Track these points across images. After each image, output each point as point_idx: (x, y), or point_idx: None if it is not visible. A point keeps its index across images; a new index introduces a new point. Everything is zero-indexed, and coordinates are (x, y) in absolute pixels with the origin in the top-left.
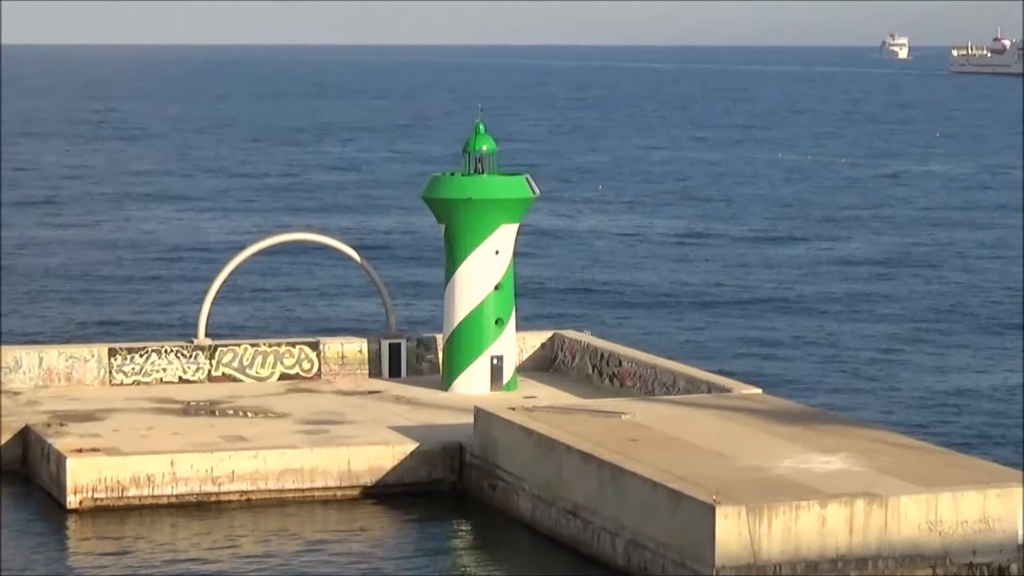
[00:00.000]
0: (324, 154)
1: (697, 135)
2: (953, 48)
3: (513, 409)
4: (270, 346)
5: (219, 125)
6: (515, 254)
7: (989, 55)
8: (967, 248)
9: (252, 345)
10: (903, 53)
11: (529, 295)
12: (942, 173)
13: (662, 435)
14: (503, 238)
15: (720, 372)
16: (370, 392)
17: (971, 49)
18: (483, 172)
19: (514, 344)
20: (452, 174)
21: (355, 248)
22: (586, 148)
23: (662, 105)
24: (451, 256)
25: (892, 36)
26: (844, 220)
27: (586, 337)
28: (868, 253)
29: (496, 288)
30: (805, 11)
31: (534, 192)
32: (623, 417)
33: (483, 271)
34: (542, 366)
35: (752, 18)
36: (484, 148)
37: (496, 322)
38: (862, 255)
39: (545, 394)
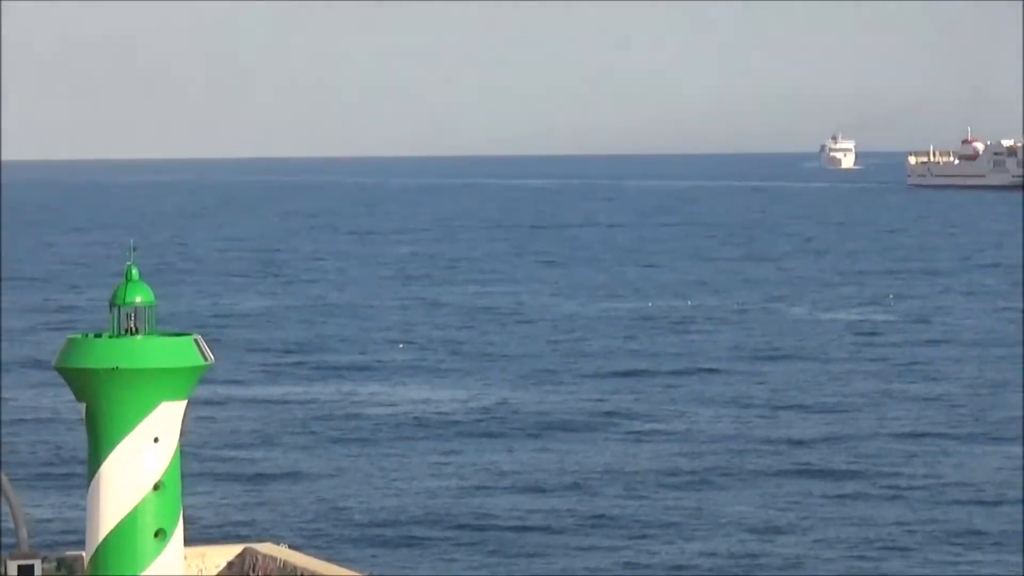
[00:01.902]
0: None
1: (536, 278)
2: (911, 154)
3: None
4: None
5: None
6: (184, 442)
7: (957, 162)
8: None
9: None
10: (847, 161)
11: (210, 494)
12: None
13: None
14: (165, 420)
15: None
16: None
17: (933, 155)
18: (136, 333)
19: (182, 565)
20: (96, 335)
21: None
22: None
23: (513, 233)
24: (94, 445)
25: (834, 139)
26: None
27: (284, 552)
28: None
29: (156, 488)
30: (729, 112)
31: (206, 359)
32: None
33: (137, 465)
34: None
35: (662, 121)
36: (138, 299)
37: (156, 534)
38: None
39: None
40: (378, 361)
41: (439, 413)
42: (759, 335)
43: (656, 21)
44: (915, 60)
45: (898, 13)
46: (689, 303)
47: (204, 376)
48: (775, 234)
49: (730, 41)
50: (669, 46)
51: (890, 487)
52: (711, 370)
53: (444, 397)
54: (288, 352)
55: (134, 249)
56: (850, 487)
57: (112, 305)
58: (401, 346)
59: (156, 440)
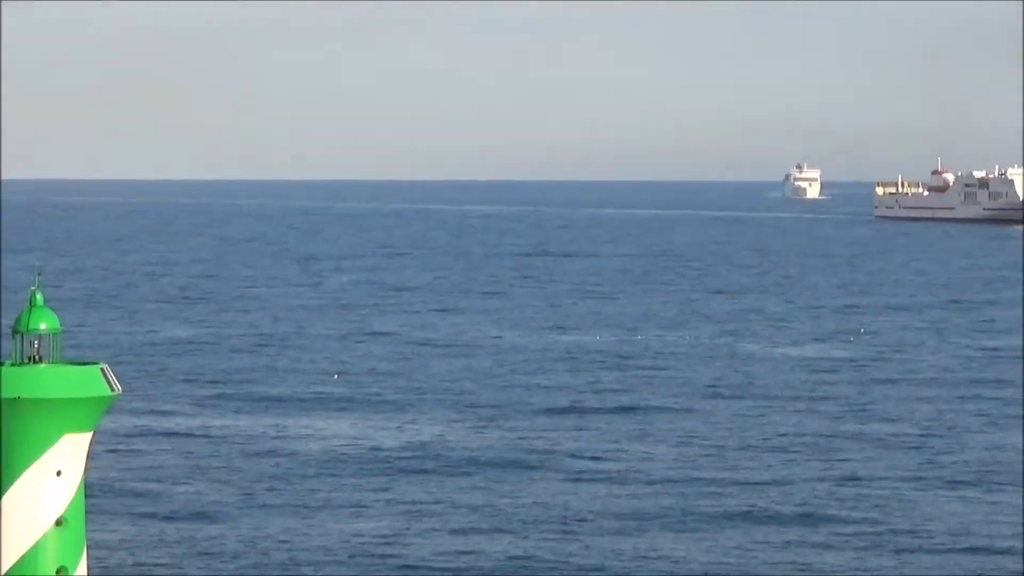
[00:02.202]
0: None
1: (480, 309)
2: (878, 184)
3: None
4: None
5: None
6: (94, 476)
7: (926, 194)
8: None
9: None
10: (813, 191)
11: (119, 531)
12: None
13: None
14: (68, 453)
15: None
16: None
17: (902, 186)
18: (39, 361)
19: None
20: None
21: None
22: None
23: (458, 262)
24: None
25: (799, 168)
26: None
27: None
28: None
29: (58, 524)
30: (692, 140)
31: (113, 389)
32: None
33: (38, 500)
34: None
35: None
36: (42, 326)
37: (58, 572)
38: None
39: None
40: (310, 393)
41: (371, 449)
42: (710, 371)
43: (617, 43)
44: (886, 89)
45: (869, 42)
46: (639, 336)
47: (119, 407)
48: (732, 266)
49: (693, 66)
50: (629, 70)
51: (838, 534)
52: (657, 407)
53: (377, 432)
54: (214, 383)
55: (39, 274)
56: (795, 532)
57: (15, 332)
58: (336, 376)
59: (59, 473)
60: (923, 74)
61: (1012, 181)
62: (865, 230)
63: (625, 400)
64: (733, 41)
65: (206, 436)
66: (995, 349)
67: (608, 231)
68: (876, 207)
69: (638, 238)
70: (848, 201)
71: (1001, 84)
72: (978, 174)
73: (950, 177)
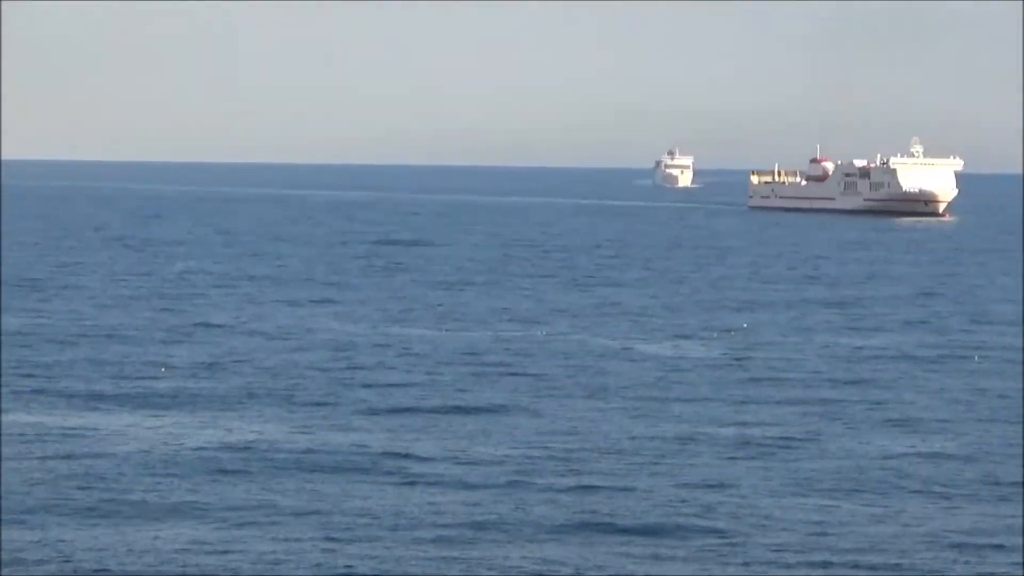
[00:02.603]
0: None
1: (320, 299)
2: (753, 173)
3: None
4: None
5: None
6: None
7: (804, 183)
8: None
9: None
10: (685, 178)
11: None
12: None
13: None
14: None
15: None
16: None
17: (779, 175)
18: None
19: None
20: None
21: None
22: None
23: (300, 250)
24: None
25: (670, 154)
26: None
27: None
28: None
29: None
30: (559, 123)
31: None
32: None
33: None
34: None
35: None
36: None
37: None
38: None
39: None
40: (131, 389)
41: (193, 448)
42: (561, 369)
43: (485, 25)
44: (765, 74)
45: (747, 26)
46: (488, 331)
47: None
48: (592, 257)
49: (561, 49)
50: (491, 52)
51: (685, 544)
52: (503, 407)
53: (200, 430)
54: (30, 376)
55: None
56: (640, 543)
57: None
58: (163, 369)
59: None
60: (803, 59)
61: (895, 171)
62: (737, 221)
63: (469, 399)
64: (606, 24)
65: (19, 434)
66: (864, 348)
67: (464, 219)
68: (751, 197)
69: (494, 227)
70: (722, 190)
71: (883, 68)
72: (859, 163)
73: (829, 166)
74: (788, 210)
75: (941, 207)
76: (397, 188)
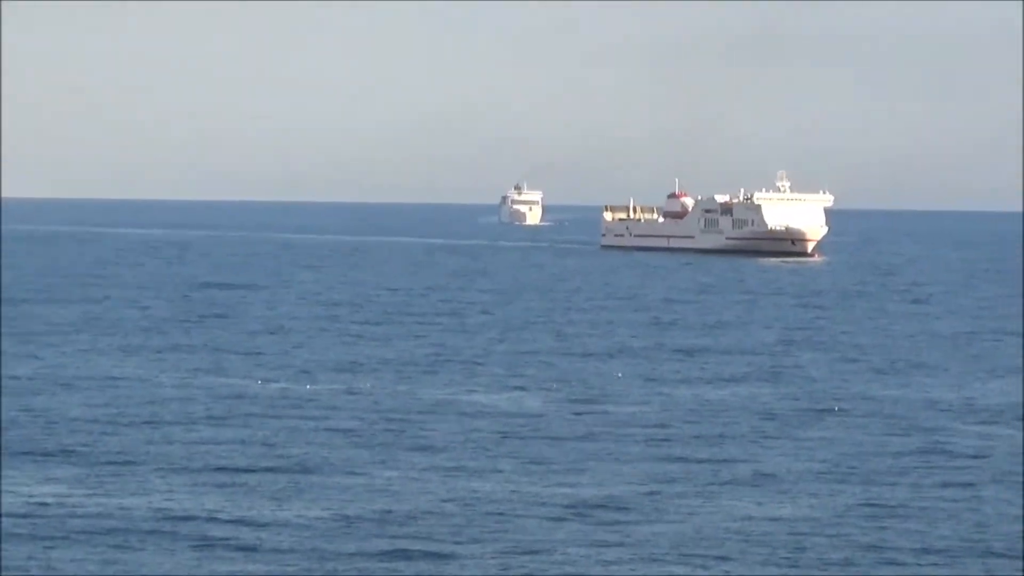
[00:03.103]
0: None
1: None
2: (606, 209)
3: None
4: None
5: None
6: None
7: (661, 220)
8: None
9: None
10: (533, 215)
11: None
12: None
13: None
14: None
15: None
16: None
17: (634, 211)
18: None
19: None
20: None
21: None
22: None
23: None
24: None
25: (517, 189)
26: None
27: None
28: None
29: None
30: (400, 156)
31: None
32: None
33: None
34: None
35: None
36: None
37: None
38: None
39: None
40: None
41: None
42: (383, 424)
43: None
44: (622, 103)
45: (599, 55)
46: (308, 383)
47: None
48: (428, 301)
49: (403, 76)
50: (331, 79)
51: None
52: (313, 464)
53: None
54: None
55: None
56: None
57: None
58: None
59: None
60: (664, 85)
61: (759, 207)
62: (588, 261)
63: (280, 456)
64: (452, 51)
65: None
66: (715, 400)
67: (293, 258)
68: (604, 235)
69: (328, 267)
70: (575, 228)
71: (748, 96)
72: (721, 198)
73: (689, 201)
74: (644, 249)
75: (809, 246)
76: (224, 226)
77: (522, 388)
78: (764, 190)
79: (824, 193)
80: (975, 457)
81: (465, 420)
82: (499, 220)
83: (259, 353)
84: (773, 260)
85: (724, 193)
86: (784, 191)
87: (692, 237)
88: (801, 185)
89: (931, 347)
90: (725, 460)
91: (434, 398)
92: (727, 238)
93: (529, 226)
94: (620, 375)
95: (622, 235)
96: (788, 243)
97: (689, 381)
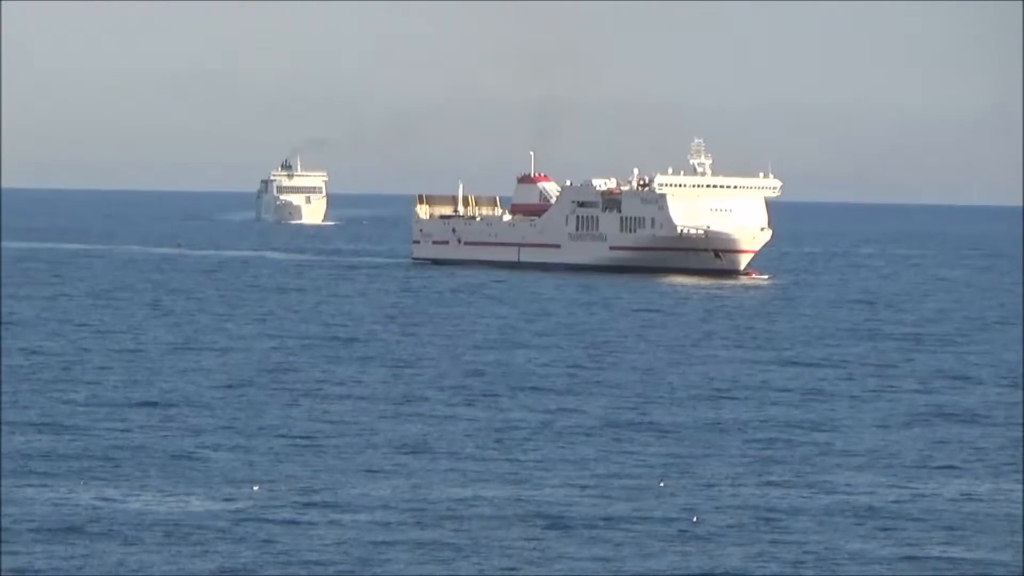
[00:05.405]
0: None
1: None
2: (420, 201)
3: None
4: None
5: None
6: None
7: (508, 218)
8: None
9: None
10: (313, 212)
11: None
12: None
13: None
14: None
15: None
16: None
17: (464, 203)
18: None
19: None
20: None
21: None
22: None
23: None
24: None
25: (287, 170)
26: None
27: None
28: None
29: None
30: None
31: None
32: None
33: None
34: None
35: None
36: None
37: None
38: None
39: None
40: None
41: None
42: None
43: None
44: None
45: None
46: None
47: None
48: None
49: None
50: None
51: None
52: None
53: None
54: None
55: None
56: None
57: None
58: None
59: None
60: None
61: (663, 198)
62: (389, 291)
63: None
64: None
65: None
66: None
67: None
68: (417, 242)
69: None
70: (374, 229)
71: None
72: (601, 183)
73: (552, 188)
74: (479, 265)
75: (742, 260)
76: None
77: None
78: (671, 171)
79: (766, 176)
80: None
81: None
82: (258, 217)
83: None
84: (684, 281)
85: (607, 176)
86: (703, 173)
87: (557, 247)
88: (730, 163)
89: None
90: None
91: None
92: (611, 248)
93: (306, 226)
94: None
95: (445, 243)
96: (709, 256)
97: None
